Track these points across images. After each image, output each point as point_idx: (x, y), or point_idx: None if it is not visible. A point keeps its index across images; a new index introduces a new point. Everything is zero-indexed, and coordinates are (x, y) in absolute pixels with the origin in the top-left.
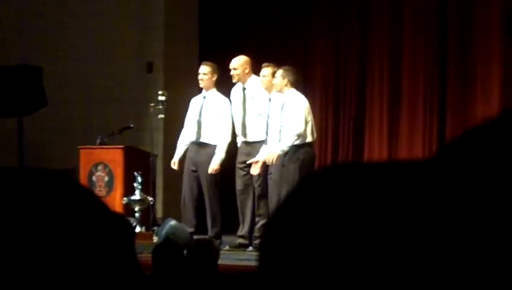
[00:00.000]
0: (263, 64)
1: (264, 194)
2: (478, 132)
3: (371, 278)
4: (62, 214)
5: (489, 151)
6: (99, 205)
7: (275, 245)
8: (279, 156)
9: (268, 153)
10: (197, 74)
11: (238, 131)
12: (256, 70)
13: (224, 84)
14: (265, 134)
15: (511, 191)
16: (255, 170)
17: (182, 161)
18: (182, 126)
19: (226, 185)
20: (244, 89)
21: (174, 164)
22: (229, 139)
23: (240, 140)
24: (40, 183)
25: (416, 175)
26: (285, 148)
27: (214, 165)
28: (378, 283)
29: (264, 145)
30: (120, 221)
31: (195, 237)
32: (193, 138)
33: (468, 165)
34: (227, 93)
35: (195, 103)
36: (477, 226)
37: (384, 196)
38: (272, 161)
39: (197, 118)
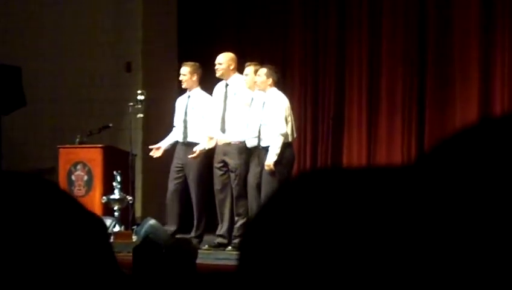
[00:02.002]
0: (246, 64)
1: (242, 194)
2: (457, 139)
3: (348, 282)
4: (36, 215)
5: (468, 158)
6: (74, 205)
7: (254, 249)
8: (274, 163)
9: (266, 163)
10: (176, 73)
11: (217, 126)
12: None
13: (207, 82)
14: (243, 133)
15: (489, 197)
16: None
17: (163, 155)
18: (161, 125)
19: (207, 185)
20: (227, 85)
21: (157, 149)
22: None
23: (216, 136)
24: (14, 186)
25: (395, 181)
26: (278, 151)
27: (198, 148)
28: (356, 287)
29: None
30: (93, 220)
31: (177, 236)
32: (180, 138)
33: (446, 172)
34: (211, 91)
35: (180, 102)
36: (456, 232)
37: (363, 201)
38: (270, 169)
39: (182, 117)
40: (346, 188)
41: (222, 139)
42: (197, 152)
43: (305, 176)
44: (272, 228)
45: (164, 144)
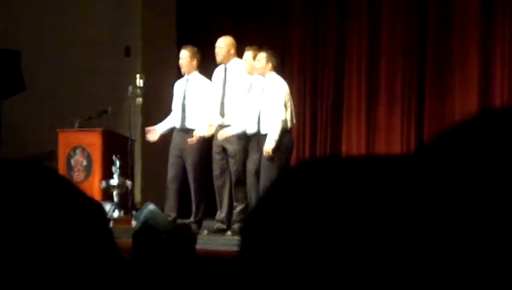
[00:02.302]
0: (246, 48)
1: (241, 179)
2: (456, 131)
3: (348, 273)
4: (35, 202)
5: (467, 151)
6: (73, 191)
7: (255, 238)
8: (273, 149)
9: (264, 149)
10: (175, 58)
11: (216, 111)
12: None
13: (205, 67)
14: (242, 118)
15: (488, 190)
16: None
17: (159, 138)
18: (160, 110)
19: (206, 170)
20: (225, 69)
21: (152, 130)
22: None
23: (215, 124)
24: (11, 173)
25: (394, 171)
26: (277, 138)
27: (197, 133)
28: (356, 278)
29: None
30: (92, 205)
31: (177, 221)
32: (178, 124)
33: (445, 164)
34: (209, 77)
35: (179, 86)
36: (455, 225)
37: (362, 191)
38: (269, 154)
39: (181, 101)
40: (345, 178)
41: (224, 132)
42: (196, 137)
43: (304, 165)
44: (272, 218)
45: (160, 127)
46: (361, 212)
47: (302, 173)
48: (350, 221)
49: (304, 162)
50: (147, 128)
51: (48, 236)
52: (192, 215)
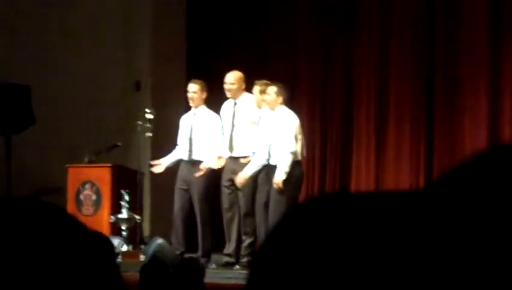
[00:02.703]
0: (256, 82)
1: (250, 212)
2: (466, 167)
3: None
4: (43, 240)
5: (478, 188)
6: (80, 227)
7: (263, 273)
8: (283, 181)
9: (274, 181)
10: (185, 91)
11: (225, 145)
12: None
13: (212, 100)
14: (250, 151)
15: (501, 226)
16: (241, 180)
17: (165, 171)
18: (169, 144)
19: (212, 203)
20: (235, 104)
21: (157, 165)
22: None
23: (224, 155)
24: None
25: (404, 208)
26: (287, 170)
27: (205, 165)
28: None
29: (252, 158)
30: (101, 240)
31: (186, 255)
32: (185, 157)
33: (457, 200)
34: (213, 109)
35: (185, 120)
36: (467, 260)
37: (371, 229)
38: (279, 187)
39: (188, 135)
40: (353, 215)
41: (241, 177)
42: (205, 168)
43: (313, 201)
44: (280, 253)
45: (166, 160)
46: (368, 250)
47: (310, 209)
48: (357, 258)
49: (312, 198)
50: (152, 162)
51: (56, 272)
52: (200, 248)
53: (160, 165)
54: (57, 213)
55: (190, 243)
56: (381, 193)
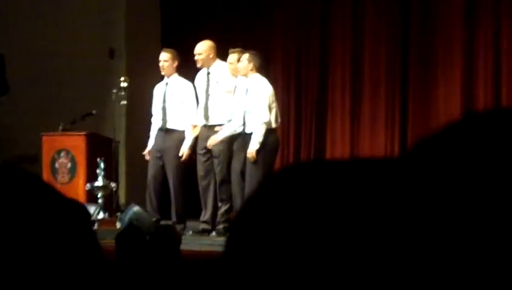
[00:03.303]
0: (230, 50)
1: (225, 180)
2: (440, 137)
3: (335, 277)
4: (17, 207)
5: (450, 157)
6: (55, 195)
7: (240, 239)
8: (257, 151)
9: (248, 151)
10: (159, 60)
11: (200, 114)
12: (218, 54)
13: (188, 69)
14: (225, 119)
15: (473, 194)
16: (212, 142)
17: (139, 139)
18: (144, 112)
19: (188, 170)
20: (208, 73)
21: (147, 154)
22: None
23: (200, 124)
24: None
25: (378, 175)
26: (261, 139)
27: (184, 149)
28: (336, 282)
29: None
30: (76, 207)
31: (161, 222)
32: (159, 125)
33: (429, 169)
34: (191, 79)
35: (158, 89)
36: (439, 228)
37: (346, 196)
38: (253, 157)
39: (161, 104)
40: (329, 182)
41: (213, 140)
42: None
43: (289, 170)
44: (258, 220)
45: (149, 146)
46: (343, 216)
47: (286, 177)
48: (332, 225)
49: (287, 166)
50: (145, 153)
51: (31, 239)
52: (173, 215)
53: (147, 155)
54: (32, 181)
55: (166, 210)
56: (356, 160)
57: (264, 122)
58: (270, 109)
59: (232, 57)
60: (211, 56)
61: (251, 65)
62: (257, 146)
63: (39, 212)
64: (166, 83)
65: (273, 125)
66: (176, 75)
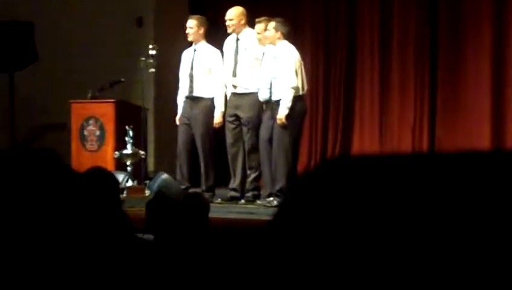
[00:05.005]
0: (256, 20)
1: (255, 147)
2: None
3: (373, 264)
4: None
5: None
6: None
7: (295, 210)
8: (286, 116)
9: (278, 117)
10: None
11: (229, 82)
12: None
13: (216, 37)
14: (255, 86)
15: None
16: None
17: (168, 107)
18: (172, 80)
19: (217, 138)
20: (237, 40)
21: (178, 120)
22: (224, 89)
23: (229, 92)
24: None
25: (406, 173)
26: (289, 105)
27: (216, 119)
28: (375, 274)
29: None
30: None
31: (190, 190)
32: (186, 93)
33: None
34: (219, 46)
35: (186, 56)
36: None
37: (387, 191)
38: (282, 122)
39: (188, 71)
40: (368, 178)
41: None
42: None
43: (329, 164)
44: (308, 202)
45: (179, 112)
46: (382, 210)
47: (326, 172)
48: (366, 216)
49: (327, 161)
50: (177, 121)
51: (60, 208)
52: (202, 183)
53: (178, 121)
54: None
55: (195, 178)
56: (393, 155)
57: (292, 87)
58: (296, 74)
59: (259, 26)
60: (242, 22)
61: (278, 33)
62: (286, 111)
63: (67, 186)
64: (194, 50)
65: (300, 92)
66: (203, 42)
